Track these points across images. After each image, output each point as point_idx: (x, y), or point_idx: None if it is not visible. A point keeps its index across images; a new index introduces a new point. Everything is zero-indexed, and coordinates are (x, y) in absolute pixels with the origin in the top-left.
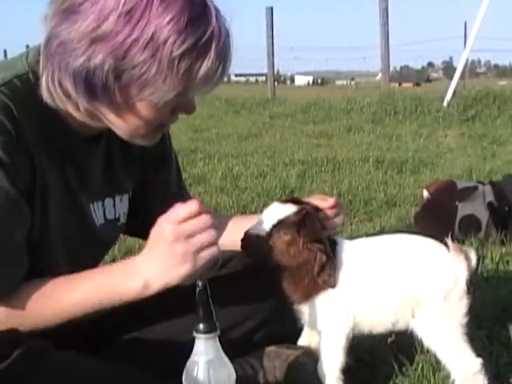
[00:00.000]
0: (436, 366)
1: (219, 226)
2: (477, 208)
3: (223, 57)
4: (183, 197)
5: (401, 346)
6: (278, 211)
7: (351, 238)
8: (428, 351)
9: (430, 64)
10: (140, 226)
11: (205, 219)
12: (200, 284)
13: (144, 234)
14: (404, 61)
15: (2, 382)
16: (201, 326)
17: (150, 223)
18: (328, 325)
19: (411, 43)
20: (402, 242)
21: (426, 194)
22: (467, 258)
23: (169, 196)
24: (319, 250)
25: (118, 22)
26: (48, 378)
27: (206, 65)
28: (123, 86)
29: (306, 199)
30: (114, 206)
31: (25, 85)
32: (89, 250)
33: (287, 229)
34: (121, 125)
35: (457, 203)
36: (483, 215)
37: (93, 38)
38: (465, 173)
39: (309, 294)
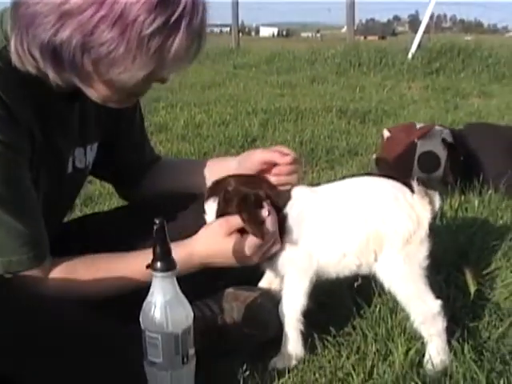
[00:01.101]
0: (393, 308)
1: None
2: (435, 145)
3: (196, 35)
4: (144, 139)
5: (359, 289)
6: (208, 211)
7: (313, 185)
8: (386, 294)
9: (396, 17)
10: (103, 168)
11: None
12: (157, 222)
13: (111, 179)
14: (370, 14)
15: None
16: (158, 264)
17: (116, 168)
18: (291, 269)
19: None
20: (365, 185)
21: (386, 133)
22: (431, 202)
23: (132, 140)
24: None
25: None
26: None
27: (177, 43)
28: (91, 62)
29: (266, 152)
30: (85, 155)
31: (4, 61)
32: (62, 200)
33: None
34: (91, 93)
35: (416, 140)
36: (442, 153)
37: (61, 13)
38: (427, 123)
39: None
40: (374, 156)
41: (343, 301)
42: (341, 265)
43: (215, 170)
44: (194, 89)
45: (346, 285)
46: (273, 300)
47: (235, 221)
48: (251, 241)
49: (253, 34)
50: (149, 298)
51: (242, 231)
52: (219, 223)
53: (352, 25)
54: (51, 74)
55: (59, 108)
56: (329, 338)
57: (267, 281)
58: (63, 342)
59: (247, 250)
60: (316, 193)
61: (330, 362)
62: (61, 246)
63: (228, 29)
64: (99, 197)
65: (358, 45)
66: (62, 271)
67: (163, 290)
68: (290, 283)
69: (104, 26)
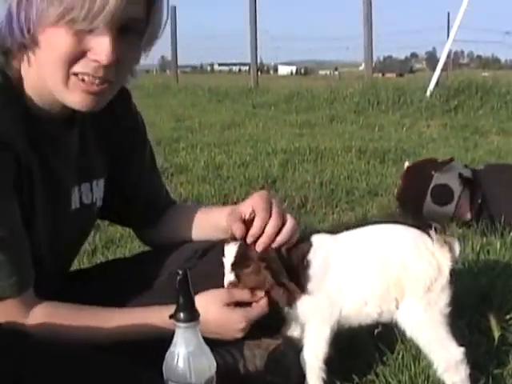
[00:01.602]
0: (416, 355)
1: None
2: (451, 179)
3: None
4: (156, 181)
5: (381, 336)
6: (227, 254)
7: (333, 227)
8: (409, 341)
9: (414, 54)
10: (115, 210)
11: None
12: (180, 272)
13: (119, 219)
14: (387, 51)
15: None
16: (181, 314)
17: (125, 207)
18: (313, 317)
19: (395, 33)
20: (386, 233)
21: (406, 163)
22: (451, 249)
23: (142, 180)
24: (265, 268)
25: None
26: (26, 365)
27: None
28: (26, 12)
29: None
30: (91, 190)
31: None
32: (67, 237)
33: (244, 267)
34: (42, 68)
35: (432, 172)
36: (457, 187)
37: None
38: None
39: (289, 302)
40: (396, 190)
41: (365, 348)
42: (362, 313)
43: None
44: (214, 129)
45: (368, 331)
46: (295, 348)
47: (237, 293)
48: (251, 313)
49: (271, 72)
50: (172, 348)
51: (239, 304)
52: (221, 292)
53: (370, 63)
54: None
55: (56, 139)
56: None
57: (289, 328)
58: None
59: (243, 323)
60: (338, 240)
61: None
62: (80, 291)
63: (247, 67)
64: (120, 239)
65: (376, 83)
66: (43, 310)
67: (186, 340)
68: (312, 331)
69: None
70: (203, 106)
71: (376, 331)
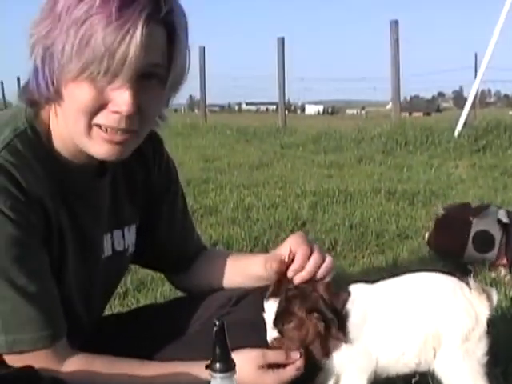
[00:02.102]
0: None
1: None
2: (490, 225)
3: (121, 27)
4: (188, 227)
5: None
6: (268, 310)
7: (364, 271)
8: None
9: (441, 94)
10: (147, 256)
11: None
12: (217, 323)
13: (151, 264)
14: (414, 91)
15: None
16: (217, 365)
17: (157, 253)
18: (350, 367)
19: (422, 74)
20: (423, 282)
21: (439, 209)
22: (489, 298)
23: (174, 227)
24: (316, 319)
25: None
26: None
27: (99, 33)
28: (50, 67)
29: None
30: (123, 237)
31: (24, 143)
32: (100, 284)
33: (286, 323)
34: (66, 118)
35: (471, 218)
36: (497, 232)
37: (34, 22)
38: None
39: (327, 353)
40: (427, 235)
41: None
42: (400, 363)
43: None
44: (243, 169)
45: (404, 380)
46: None
47: (272, 355)
48: (285, 375)
49: (298, 111)
50: None
51: (271, 366)
52: (256, 354)
53: (398, 103)
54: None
55: (86, 191)
56: None
57: (324, 378)
58: None
59: None
60: (375, 290)
61: None
62: (112, 338)
63: (274, 106)
64: (152, 282)
65: (404, 123)
66: (78, 361)
67: None
68: (348, 382)
69: (53, 24)
70: (231, 146)
71: (413, 380)
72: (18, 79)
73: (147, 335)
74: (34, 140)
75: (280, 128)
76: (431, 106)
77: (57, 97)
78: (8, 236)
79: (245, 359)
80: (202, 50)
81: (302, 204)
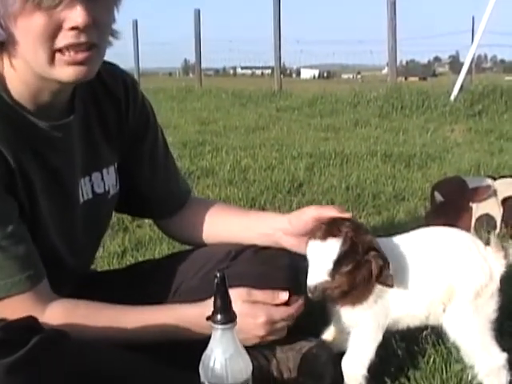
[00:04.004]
0: (448, 359)
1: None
2: (491, 206)
3: None
4: (170, 170)
5: (412, 340)
6: (324, 251)
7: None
8: (440, 345)
9: (437, 58)
10: (131, 202)
11: (291, 312)
12: (219, 275)
13: (136, 210)
14: (410, 55)
15: (19, 369)
16: (218, 316)
17: (141, 197)
18: (372, 323)
19: (418, 37)
20: (439, 236)
21: (437, 195)
22: (506, 256)
23: (155, 170)
24: (374, 258)
25: None
26: (62, 367)
27: None
28: None
29: (319, 208)
30: (103, 179)
31: None
32: (84, 228)
33: (345, 265)
34: (24, 55)
35: (471, 204)
36: (497, 213)
37: None
38: (473, 167)
39: (360, 300)
40: (423, 210)
41: (395, 350)
42: (411, 316)
43: (262, 227)
44: (239, 132)
45: (399, 335)
46: (328, 350)
47: (259, 293)
48: (273, 311)
49: (294, 75)
50: (208, 350)
51: None
52: (241, 289)
53: (394, 67)
54: None
55: (50, 131)
56: None
57: (331, 334)
58: None
59: (262, 318)
60: (392, 242)
61: None
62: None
63: (269, 71)
64: (149, 242)
65: (400, 87)
66: (61, 306)
67: (223, 342)
68: (365, 338)
69: None
70: (227, 110)
71: (424, 333)
72: None
73: (144, 289)
74: None
75: (276, 91)
76: (427, 70)
77: (9, 38)
78: None
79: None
80: (197, 13)
81: (298, 166)
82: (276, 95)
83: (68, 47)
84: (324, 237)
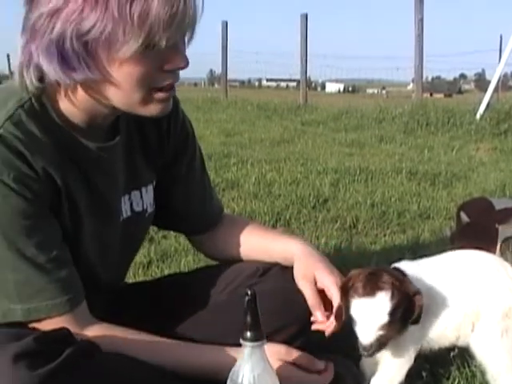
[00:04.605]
0: (471, 382)
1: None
2: None
3: None
4: (205, 188)
5: (436, 361)
6: (375, 306)
7: (385, 249)
8: (465, 367)
9: (462, 75)
10: (166, 218)
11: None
12: (249, 293)
13: (171, 226)
14: (436, 72)
15: (52, 380)
16: (248, 333)
17: (176, 214)
18: (411, 346)
19: (444, 55)
20: (468, 259)
21: (463, 216)
22: None
23: (191, 188)
24: (418, 301)
25: None
26: (95, 378)
27: (157, 4)
28: (92, 49)
29: (332, 286)
30: (141, 197)
31: (29, 114)
32: (120, 246)
33: (397, 315)
34: (111, 95)
35: (497, 226)
36: None
37: (49, 13)
38: (498, 188)
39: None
40: (448, 230)
41: (420, 373)
42: (442, 338)
43: (285, 255)
44: (264, 145)
45: (423, 357)
46: (354, 371)
47: (298, 355)
48: (306, 378)
49: (319, 89)
50: (237, 366)
51: None
52: (281, 348)
53: (420, 83)
54: (62, 78)
55: (96, 153)
56: None
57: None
58: None
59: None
60: (422, 266)
61: None
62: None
63: (294, 83)
64: (175, 253)
65: (426, 104)
66: (97, 330)
67: (252, 359)
68: (398, 360)
69: (88, 9)
70: (252, 122)
71: (452, 354)
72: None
73: (172, 303)
74: (39, 111)
75: (301, 105)
76: (453, 87)
77: (101, 78)
78: (13, 208)
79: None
80: (225, 25)
81: (323, 181)
82: (301, 108)
83: (165, 87)
84: (371, 292)
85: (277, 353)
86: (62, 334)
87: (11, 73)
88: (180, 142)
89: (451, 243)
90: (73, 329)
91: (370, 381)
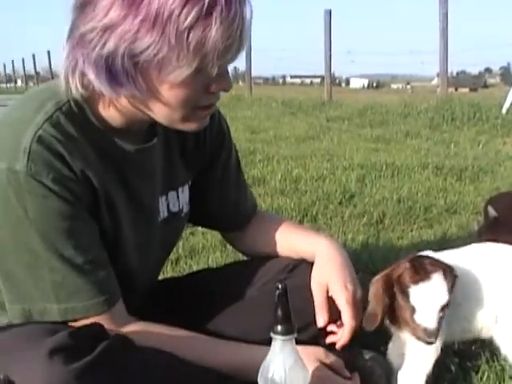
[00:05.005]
0: (501, 375)
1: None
2: None
3: (232, 23)
4: (240, 187)
5: (465, 355)
6: (433, 290)
7: (412, 244)
8: (494, 361)
9: (488, 69)
10: (201, 216)
11: None
12: (280, 287)
13: (206, 223)
14: (461, 66)
15: (87, 374)
16: (279, 327)
17: (211, 213)
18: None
19: (469, 49)
20: (490, 251)
21: (491, 211)
22: None
23: (227, 187)
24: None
25: (123, 6)
26: (129, 372)
27: (213, 33)
28: (142, 69)
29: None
30: (178, 198)
31: (67, 116)
32: (157, 247)
33: (451, 294)
34: (155, 110)
35: None
36: None
37: (103, 27)
38: None
39: None
40: (476, 225)
41: (449, 367)
42: (466, 329)
43: (304, 251)
44: (289, 141)
45: (452, 351)
46: (383, 365)
47: (334, 359)
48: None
49: (343, 85)
50: (267, 360)
51: None
52: (320, 349)
53: (445, 78)
54: (109, 92)
55: (134, 155)
56: None
57: (397, 346)
58: None
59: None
60: (445, 258)
61: None
62: (170, 302)
63: (318, 80)
64: (202, 249)
65: (451, 99)
66: (136, 329)
67: (283, 352)
68: (425, 352)
69: (144, 30)
70: (277, 119)
71: (481, 348)
72: (49, 53)
73: (202, 299)
74: (78, 113)
75: (325, 101)
76: (478, 81)
77: (148, 95)
78: (53, 210)
79: (305, 352)
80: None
81: (349, 177)
82: (326, 105)
83: (207, 106)
84: (426, 277)
85: (315, 353)
86: (96, 330)
87: (37, 73)
88: (216, 142)
89: (478, 238)
90: (110, 328)
91: (397, 373)
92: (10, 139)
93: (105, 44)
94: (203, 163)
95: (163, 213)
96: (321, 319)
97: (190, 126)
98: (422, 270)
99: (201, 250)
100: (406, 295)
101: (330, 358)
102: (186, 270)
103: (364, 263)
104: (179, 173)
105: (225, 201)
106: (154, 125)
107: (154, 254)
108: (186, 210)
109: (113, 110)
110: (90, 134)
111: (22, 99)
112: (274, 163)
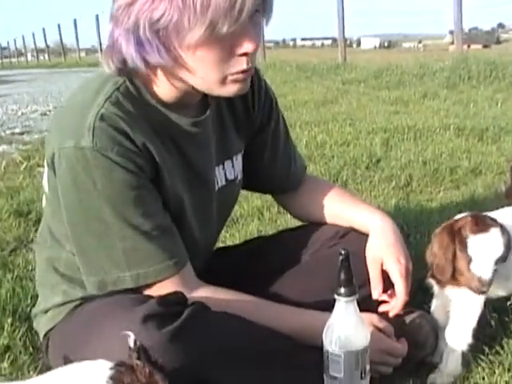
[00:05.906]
0: None
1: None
2: None
3: None
4: (289, 150)
5: (503, 310)
6: (491, 242)
7: (442, 206)
8: None
9: (500, 25)
10: (253, 181)
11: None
12: (343, 252)
13: (257, 188)
14: (473, 22)
15: (178, 336)
16: (342, 289)
17: (262, 178)
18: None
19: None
20: None
21: None
22: None
23: (277, 152)
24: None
25: None
26: (210, 334)
27: None
28: (163, 37)
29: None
30: (233, 166)
31: (125, 95)
32: (216, 214)
33: (506, 249)
34: (187, 78)
35: None
36: None
37: (126, 4)
38: None
39: None
40: (503, 188)
41: (489, 322)
42: (500, 286)
43: (356, 223)
44: (308, 106)
45: (492, 307)
46: (431, 321)
47: (386, 324)
48: (390, 343)
49: (354, 45)
50: (332, 320)
51: None
52: (374, 316)
53: (460, 37)
54: (142, 65)
55: (189, 127)
56: (481, 356)
57: (442, 303)
58: (258, 355)
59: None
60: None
61: (483, 379)
62: (229, 269)
63: (329, 41)
64: (240, 218)
65: (466, 57)
66: (204, 292)
67: (346, 312)
68: (470, 307)
69: (158, 0)
70: (293, 83)
71: (508, 303)
72: (75, 21)
73: (256, 267)
74: (134, 92)
75: (340, 64)
76: (490, 37)
77: (175, 63)
78: (120, 181)
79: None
80: None
81: (373, 141)
82: (340, 67)
83: (239, 72)
84: (485, 229)
85: (369, 318)
86: (179, 297)
87: (48, 46)
88: (265, 110)
89: (506, 198)
90: (182, 289)
91: (443, 329)
92: (75, 120)
93: (129, 18)
94: (254, 129)
95: (221, 181)
96: (376, 292)
97: (228, 91)
98: (481, 223)
99: (239, 218)
100: (464, 245)
101: (383, 323)
102: (228, 238)
103: (399, 226)
104: (233, 142)
105: (276, 165)
106: (205, 98)
107: (212, 222)
108: (240, 177)
109: (164, 87)
110: (147, 110)
111: (81, 85)
112: (297, 129)
